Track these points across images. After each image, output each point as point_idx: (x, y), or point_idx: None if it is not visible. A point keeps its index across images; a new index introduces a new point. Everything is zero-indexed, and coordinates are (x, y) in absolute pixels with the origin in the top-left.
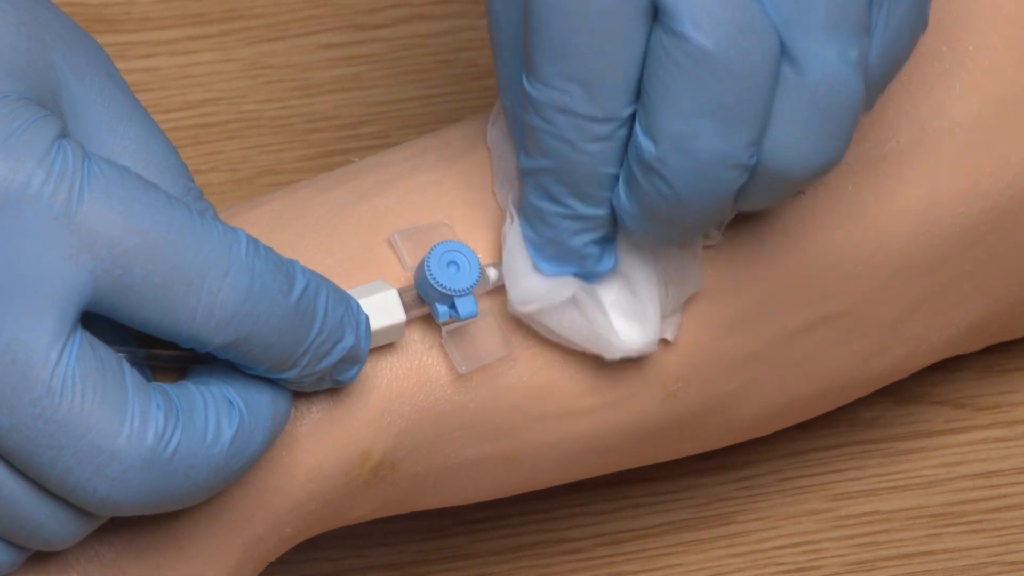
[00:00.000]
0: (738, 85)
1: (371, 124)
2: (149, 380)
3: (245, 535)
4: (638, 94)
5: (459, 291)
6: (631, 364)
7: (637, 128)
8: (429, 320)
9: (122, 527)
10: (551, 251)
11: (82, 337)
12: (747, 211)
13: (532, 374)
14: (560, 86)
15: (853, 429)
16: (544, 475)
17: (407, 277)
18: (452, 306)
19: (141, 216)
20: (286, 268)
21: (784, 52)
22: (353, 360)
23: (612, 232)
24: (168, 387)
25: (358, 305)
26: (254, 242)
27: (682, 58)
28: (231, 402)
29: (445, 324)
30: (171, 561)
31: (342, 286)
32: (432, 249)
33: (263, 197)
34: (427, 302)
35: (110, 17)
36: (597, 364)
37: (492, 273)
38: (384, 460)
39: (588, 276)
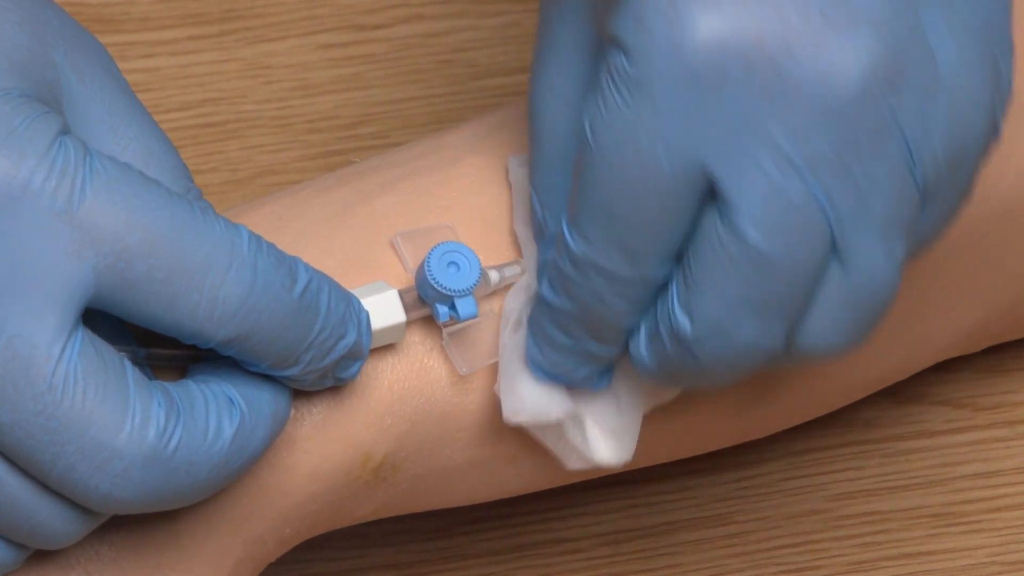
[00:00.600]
0: (785, 283)
1: (371, 124)
2: (150, 379)
3: (245, 535)
4: (678, 257)
5: (459, 292)
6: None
7: (674, 298)
8: (430, 322)
9: (122, 526)
10: (552, 372)
11: (84, 335)
12: None
13: None
14: (602, 247)
15: (853, 429)
16: (544, 476)
17: (408, 279)
18: (452, 307)
19: (143, 212)
20: (289, 264)
21: (833, 248)
22: (355, 357)
23: (616, 363)
24: (169, 385)
25: (359, 302)
26: (256, 238)
27: (735, 251)
28: (232, 400)
29: (446, 325)
30: (171, 560)
31: (343, 286)
32: (432, 250)
33: (264, 198)
34: (427, 303)
35: (110, 17)
36: None
37: (493, 275)
38: (385, 461)
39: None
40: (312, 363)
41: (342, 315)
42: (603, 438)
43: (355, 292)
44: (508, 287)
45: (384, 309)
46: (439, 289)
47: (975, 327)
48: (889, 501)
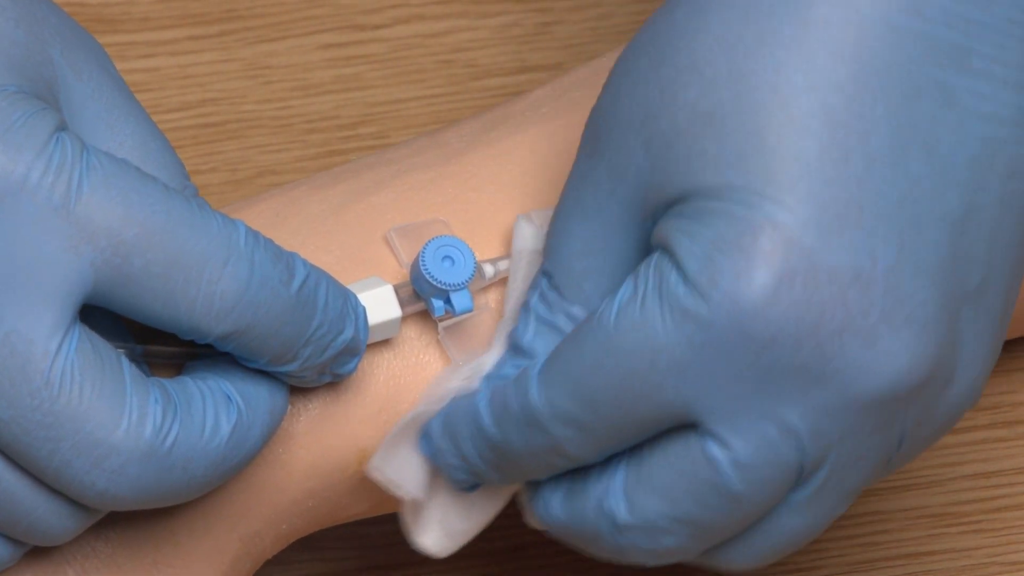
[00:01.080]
0: (738, 520)
1: (371, 124)
2: (147, 376)
3: (242, 531)
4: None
5: (454, 286)
6: None
7: (618, 480)
8: (425, 318)
9: (118, 523)
10: (436, 460)
11: (81, 331)
12: None
13: None
14: (562, 419)
15: None
16: None
17: (403, 274)
18: (447, 301)
19: (140, 207)
20: (286, 259)
21: (803, 493)
22: (352, 353)
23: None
24: (166, 382)
25: (356, 297)
26: (253, 233)
27: (705, 480)
28: (229, 397)
29: (441, 320)
30: (167, 557)
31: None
32: (427, 244)
33: (260, 195)
34: (423, 297)
35: (110, 17)
36: None
37: (488, 269)
38: None
39: None
40: (310, 359)
41: (340, 310)
42: (436, 531)
43: (350, 288)
44: (503, 280)
45: (379, 304)
46: (434, 283)
47: None
48: (889, 501)
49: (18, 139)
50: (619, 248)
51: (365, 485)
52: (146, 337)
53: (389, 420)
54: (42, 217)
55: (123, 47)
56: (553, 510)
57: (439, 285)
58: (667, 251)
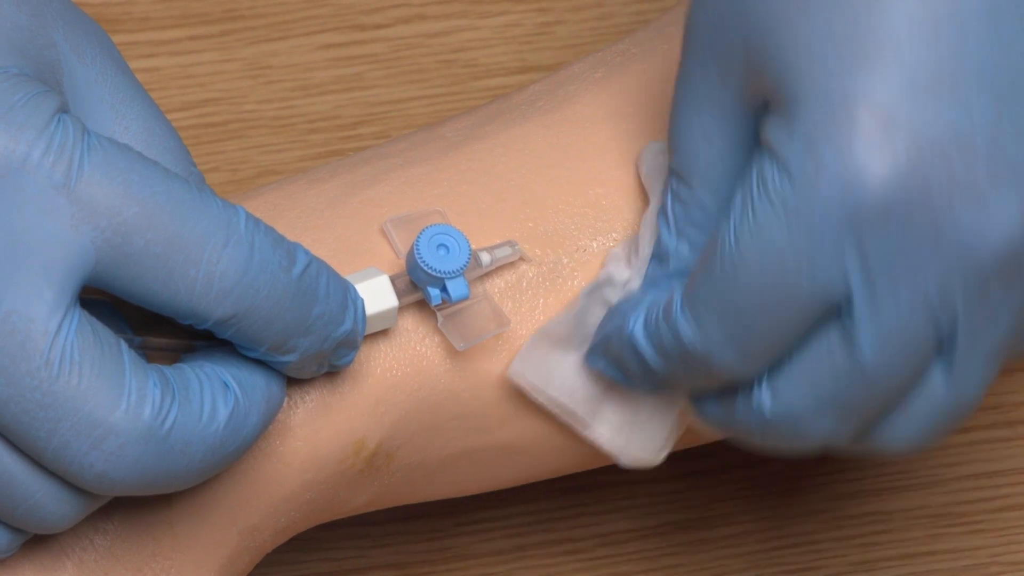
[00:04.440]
0: (878, 398)
1: (371, 124)
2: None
3: (241, 524)
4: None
5: (449, 273)
6: None
7: (763, 375)
8: (423, 309)
9: (116, 516)
10: (610, 369)
11: (81, 313)
12: None
13: None
14: (715, 341)
15: None
16: (540, 466)
17: (400, 266)
18: (444, 289)
19: (140, 187)
20: (287, 246)
21: (943, 362)
22: (351, 344)
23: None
24: (163, 368)
25: (355, 288)
26: (253, 218)
27: (842, 360)
28: (226, 384)
29: (439, 308)
30: (166, 549)
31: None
32: (421, 233)
33: (257, 189)
34: (419, 287)
35: (110, 17)
36: None
37: (484, 256)
38: (379, 450)
39: None
40: (309, 349)
41: (341, 300)
42: (627, 434)
43: (347, 279)
44: (499, 268)
45: (376, 294)
46: (429, 272)
47: None
48: (890, 501)
49: (20, 119)
50: (736, 134)
51: (363, 478)
52: (144, 328)
53: (387, 412)
54: (43, 196)
55: (124, 47)
56: (709, 411)
57: (434, 273)
58: (770, 152)
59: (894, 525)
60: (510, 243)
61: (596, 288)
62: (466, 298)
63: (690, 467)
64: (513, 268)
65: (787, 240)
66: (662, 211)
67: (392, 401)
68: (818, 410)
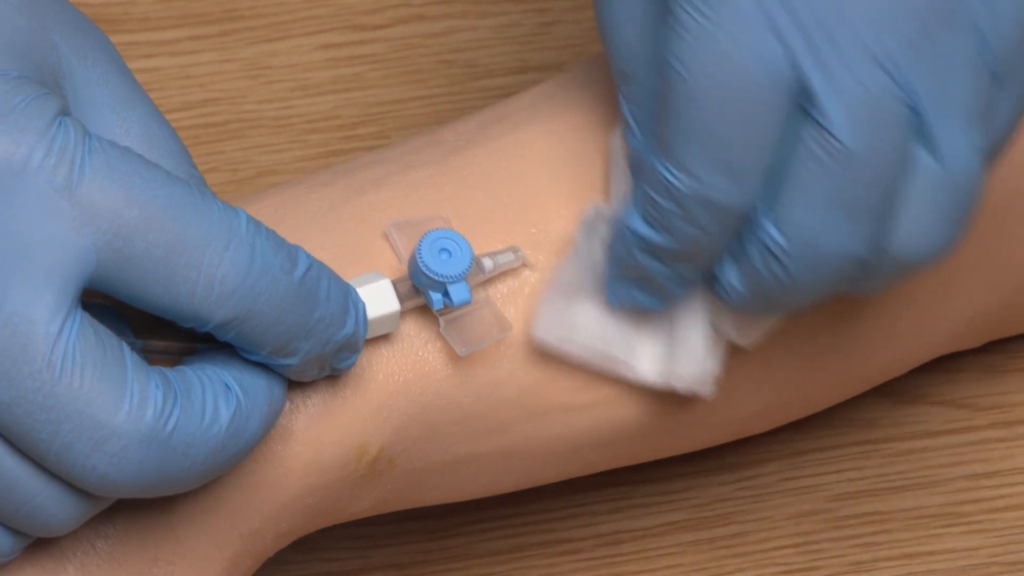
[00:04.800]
0: (872, 181)
1: (371, 124)
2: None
3: (242, 528)
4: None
5: (451, 278)
6: None
7: (763, 216)
8: (425, 314)
9: (118, 520)
10: (633, 292)
11: (82, 316)
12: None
13: (529, 369)
14: (705, 175)
15: (853, 429)
16: (541, 471)
17: (402, 270)
18: (445, 294)
19: (141, 189)
20: (288, 249)
21: (922, 137)
22: (352, 348)
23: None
24: (165, 370)
25: (356, 292)
26: (255, 221)
27: (823, 153)
28: (228, 386)
29: (441, 313)
30: (168, 554)
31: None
32: (423, 237)
33: (258, 193)
34: (421, 291)
35: (110, 17)
36: None
37: (487, 262)
38: (381, 454)
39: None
40: (311, 352)
41: (342, 304)
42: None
43: (349, 282)
44: (501, 274)
45: (378, 298)
46: (431, 276)
47: (975, 319)
48: (889, 501)
49: (20, 122)
50: (654, 18)
51: (365, 483)
52: (145, 332)
53: (389, 417)
54: (44, 198)
55: (123, 47)
56: (733, 287)
57: (436, 277)
58: None
59: (893, 525)
60: (513, 249)
61: (589, 228)
62: (468, 303)
63: (690, 467)
64: (515, 274)
65: (721, 33)
66: (624, 126)
67: (394, 406)
68: (826, 216)
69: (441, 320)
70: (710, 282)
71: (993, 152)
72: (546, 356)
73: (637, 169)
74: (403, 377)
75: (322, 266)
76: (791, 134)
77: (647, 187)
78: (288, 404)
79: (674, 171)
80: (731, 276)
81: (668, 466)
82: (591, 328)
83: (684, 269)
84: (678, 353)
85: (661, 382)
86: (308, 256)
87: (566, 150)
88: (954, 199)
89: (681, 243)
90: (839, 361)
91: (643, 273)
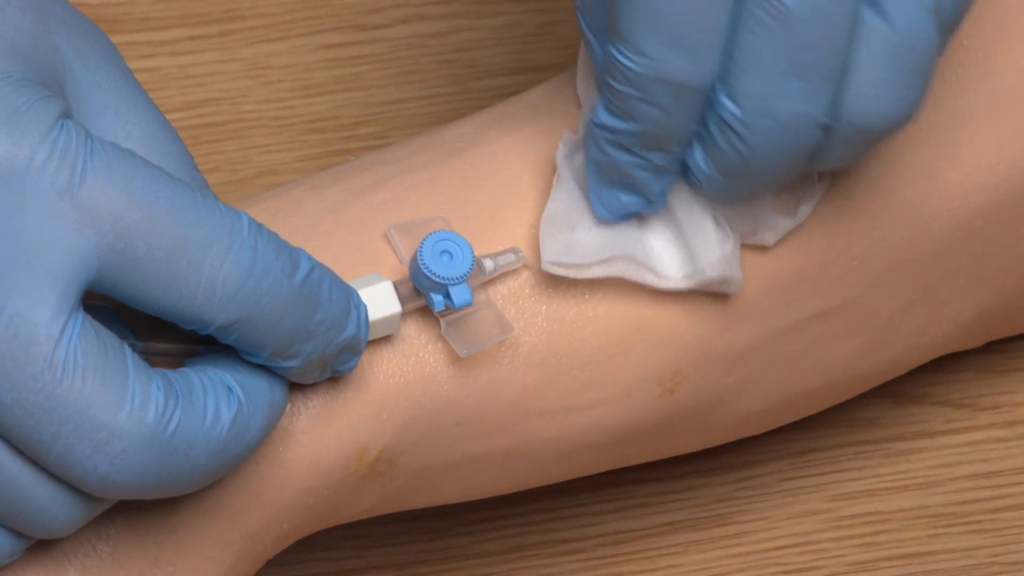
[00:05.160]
0: (819, 42)
1: (371, 124)
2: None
3: (243, 529)
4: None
5: (452, 279)
6: (628, 359)
7: (720, 91)
8: (426, 316)
9: (120, 521)
10: (617, 194)
11: (84, 318)
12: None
13: (529, 370)
14: (658, 55)
15: (853, 429)
16: (542, 472)
17: (403, 272)
18: (447, 295)
19: (143, 192)
20: (290, 251)
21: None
22: (354, 350)
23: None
24: (167, 372)
25: (357, 294)
26: (257, 224)
27: (770, 19)
28: (229, 388)
29: (442, 315)
30: (169, 555)
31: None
32: (425, 239)
33: (260, 195)
34: (423, 293)
35: (110, 17)
36: (594, 359)
37: (488, 264)
38: (382, 456)
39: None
40: (312, 355)
41: (344, 306)
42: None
43: (350, 284)
44: (502, 275)
45: (379, 300)
46: (432, 278)
47: (973, 320)
48: (889, 501)
49: (23, 123)
50: None
51: (366, 484)
52: (146, 335)
53: (390, 418)
54: (46, 200)
55: (123, 47)
56: (701, 169)
57: (437, 279)
58: None
59: (893, 525)
60: (514, 250)
61: (568, 157)
62: (469, 304)
63: (690, 467)
64: (516, 275)
65: None
66: (586, 45)
67: (395, 407)
68: (778, 82)
69: (442, 321)
70: (686, 174)
71: (947, 9)
72: (546, 357)
73: (600, 73)
74: (404, 378)
75: (324, 268)
76: (740, 6)
77: (606, 77)
78: (289, 406)
79: (628, 53)
80: (699, 159)
81: (668, 466)
82: (601, 245)
83: (655, 157)
84: (693, 247)
85: (690, 282)
86: (310, 258)
87: None
88: (907, 60)
89: (644, 125)
90: (839, 362)
91: (619, 171)
